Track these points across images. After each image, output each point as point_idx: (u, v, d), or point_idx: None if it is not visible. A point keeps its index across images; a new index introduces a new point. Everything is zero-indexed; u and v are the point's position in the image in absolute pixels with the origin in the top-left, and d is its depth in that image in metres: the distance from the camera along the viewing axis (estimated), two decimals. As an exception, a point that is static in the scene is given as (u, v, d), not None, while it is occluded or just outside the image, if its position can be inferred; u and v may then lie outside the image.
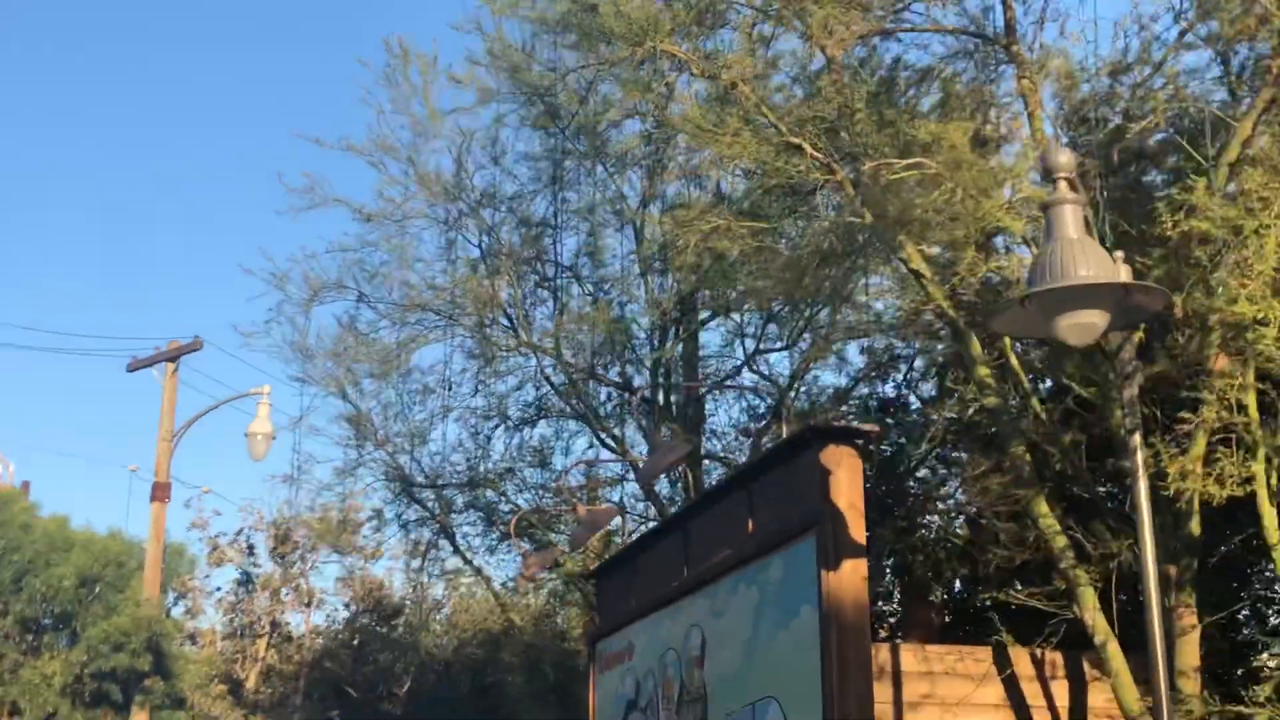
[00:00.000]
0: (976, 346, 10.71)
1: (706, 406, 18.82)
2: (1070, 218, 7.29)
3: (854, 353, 21.28)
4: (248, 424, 26.00)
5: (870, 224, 10.04)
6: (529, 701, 29.81)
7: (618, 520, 17.97)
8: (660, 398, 17.06)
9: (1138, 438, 7.88)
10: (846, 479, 10.39)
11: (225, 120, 67.72)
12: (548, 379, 16.72)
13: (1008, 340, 11.25)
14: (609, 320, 15.92)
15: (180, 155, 67.17)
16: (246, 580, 34.28)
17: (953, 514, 16.64)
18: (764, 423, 19.41)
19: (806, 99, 10.15)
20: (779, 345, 18.05)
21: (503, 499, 17.80)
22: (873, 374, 18.95)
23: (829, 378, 20.08)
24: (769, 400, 19.53)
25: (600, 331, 16.09)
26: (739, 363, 18.83)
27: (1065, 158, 7.39)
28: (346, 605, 35.00)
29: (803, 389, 19.35)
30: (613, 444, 16.76)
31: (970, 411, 11.27)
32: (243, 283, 68.95)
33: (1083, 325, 7.11)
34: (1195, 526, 9.88)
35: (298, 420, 18.18)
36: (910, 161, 9.39)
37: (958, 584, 16.36)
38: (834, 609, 10.06)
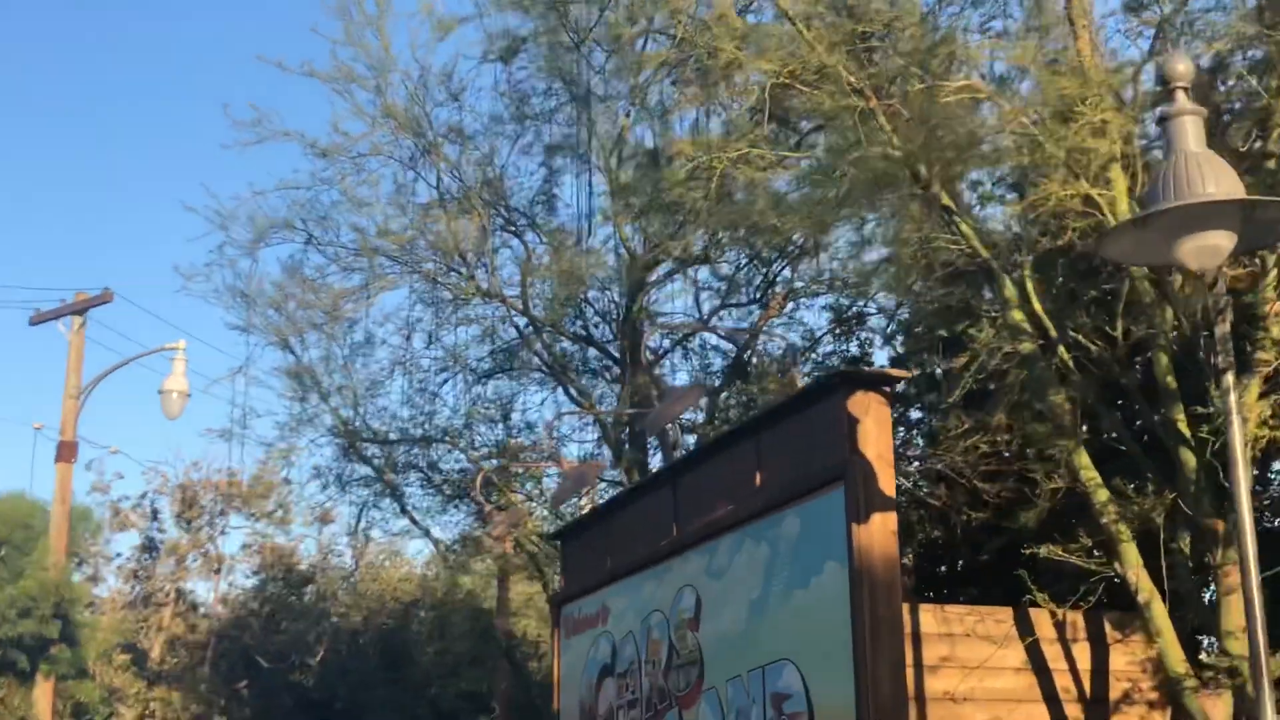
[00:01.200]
0: (1010, 289, 10.12)
1: (662, 368, 18.13)
2: (1191, 130, 6.68)
3: (809, 316, 20.61)
4: (161, 381, 24.73)
5: (906, 153, 9.37)
6: (441, 670, 29.08)
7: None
8: (622, 355, 16.29)
9: (1230, 378, 7.32)
10: (875, 427, 9.76)
11: (148, 49, 61.89)
12: (517, 328, 15.86)
13: (1030, 286, 10.70)
14: (577, 269, 15.07)
15: (86, 86, 61.83)
16: (150, 546, 32.91)
17: (916, 476, 16.16)
18: (719, 382, 18.78)
19: (841, 16, 9.40)
20: (744, 301, 17.37)
21: (453, 453, 16.87)
22: (836, 331, 18.42)
23: (791, 336, 19.47)
24: (727, 358, 18.91)
25: (566, 281, 15.24)
26: (697, 320, 18.18)
27: (1184, 66, 6.77)
28: (255, 573, 33.88)
29: (760, 347, 18.76)
30: (580, 398, 15.96)
31: (994, 360, 10.66)
32: (162, 231, 63.74)
33: (1208, 248, 6.51)
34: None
35: (237, 370, 17.07)
36: (962, 84, 8.71)
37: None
38: (865, 565, 9.43)
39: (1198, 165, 6.52)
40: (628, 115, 14.64)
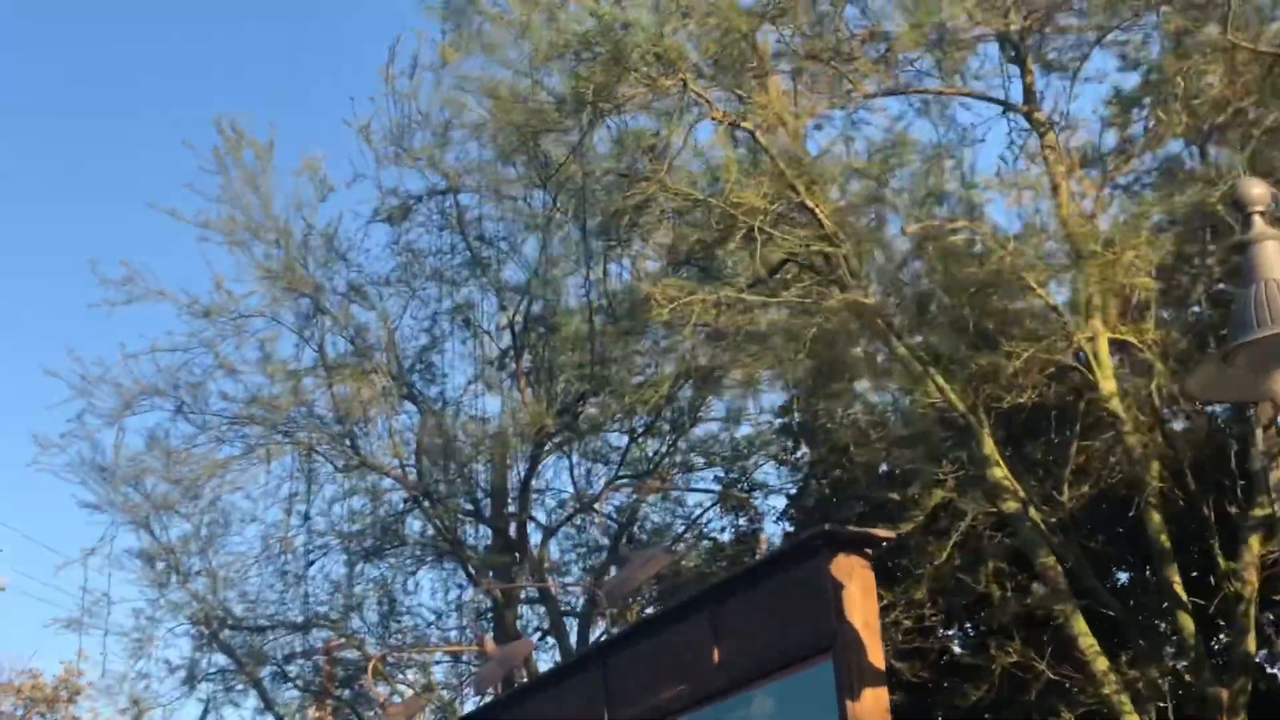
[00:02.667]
0: (989, 445, 9.62)
1: (549, 545, 17.17)
2: (1274, 256, 6.28)
3: (692, 491, 19.89)
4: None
5: (882, 302, 8.88)
6: None
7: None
8: (519, 530, 15.29)
9: (1289, 526, 6.87)
10: (860, 593, 8.97)
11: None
12: (415, 501, 14.69)
13: (991, 443, 10.23)
14: (465, 440, 14.13)
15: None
16: (-55, 762, 29.79)
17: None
18: (604, 559, 17.90)
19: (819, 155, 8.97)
20: (634, 474, 16.60)
21: (328, 640, 15.43)
22: (729, 505, 17.78)
23: (674, 510, 18.74)
24: (607, 539, 18.04)
25: (453, 453, 14.28)
26: (578, 495, 17.32)
27: (1259, 189, 6.39)
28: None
29: (641, 521, 18.01)
30: (474, 575, 14.82)
31: (967, 519, 10.11)
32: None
33: (1306, 379, 6.04)
34: (1251, 643, 8.91)
35: (89, 553, 15.38)
36: (962, 224, 8.30)
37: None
38: (861, 747, 8.55)
39: (1287, 291, 6.10)
40: (535, 275, 13.95)
